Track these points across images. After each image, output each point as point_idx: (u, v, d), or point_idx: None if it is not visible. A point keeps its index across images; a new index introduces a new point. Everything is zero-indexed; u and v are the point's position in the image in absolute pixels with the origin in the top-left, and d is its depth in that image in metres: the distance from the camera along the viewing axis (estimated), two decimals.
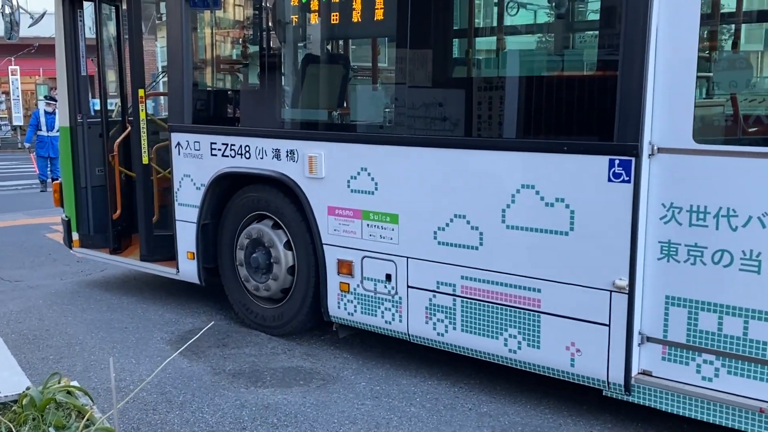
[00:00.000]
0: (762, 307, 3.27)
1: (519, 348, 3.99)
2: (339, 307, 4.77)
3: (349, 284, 4.68)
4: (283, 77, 5.25)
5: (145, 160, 5.97)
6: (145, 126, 5.91)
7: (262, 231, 5.19)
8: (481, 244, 4.05)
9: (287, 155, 4.87)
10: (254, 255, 5.27)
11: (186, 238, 5.58)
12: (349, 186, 4.58)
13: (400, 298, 4.44)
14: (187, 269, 5.65)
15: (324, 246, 4.77)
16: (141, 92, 5.88)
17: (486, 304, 4.07)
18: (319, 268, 4.84)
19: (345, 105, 5.22)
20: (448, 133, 4.21)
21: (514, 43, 5.08)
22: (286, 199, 4.99)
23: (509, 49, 4.88)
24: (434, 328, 4.32)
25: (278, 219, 5.12)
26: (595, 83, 3.79)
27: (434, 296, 4.29)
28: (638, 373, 3.66)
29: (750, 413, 3.30)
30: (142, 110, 5.89)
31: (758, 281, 3.26)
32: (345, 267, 4.68)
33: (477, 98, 4.13)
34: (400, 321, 4.47)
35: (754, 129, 3.94)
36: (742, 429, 3.35)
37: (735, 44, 4.33)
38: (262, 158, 5.03)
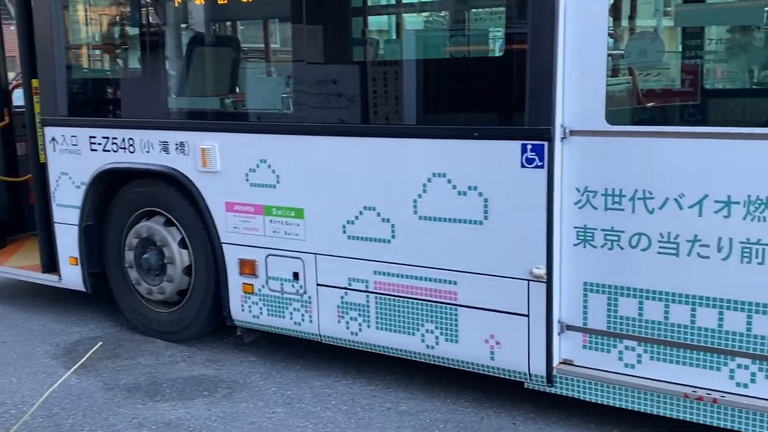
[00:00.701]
0: (682, 291, 3.23)
1: (437, 343, 3.83)
2: (243, 310, 4.46)
3: (253, 285, 4.38)
4: (167, 61, 4.83)
5: (42, 158, 5.36)
6: (39, 121, 5.28)
7: (153, 229, 4.79)
8: (393, 236, 3.84)
9: (177, 148, 4.49)
10: (145, 255, 4.86)
11: (67, 242, 5.09)
12: (247, 180, 4.26)
13: (309, 297, 4.19)
14: (71, 276, 5.17)
15: (223, 245, 4.43)
16: (34, 82, 5.23)
17: (401, 299, 3.88)
18: (219, 269, 4.51)
19: (239, 91, 4.87)
20: (352, 120, 3.96)
21: (419, 23, 4.87)
22: (177, 194, 4.61)
23: (413, 29, 4.66)
24: (347, 328, 4.09)
25: (170, 215, 4.73)
26: (504, 65, 3.63)
27: (346, 294, 4.06)
28: (559, 363, 3.57)
29: (674, 399, 3.26)
30: (37, 102, 5.25)
31: (677, 264, 3.21)
32: (248, 267, 4.36)
33: (381, 83, 3.90)
34: (311, 322, 4.22)
35: (661, 104, 3.91)
36: (667, 415, 3.31)
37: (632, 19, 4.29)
38: (148, 152, 4.62)
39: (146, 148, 4.62)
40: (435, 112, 3.84)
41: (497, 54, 3.85)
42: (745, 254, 3.07)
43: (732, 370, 3.18)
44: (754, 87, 4.41)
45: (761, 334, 3.09)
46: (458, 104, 3.74)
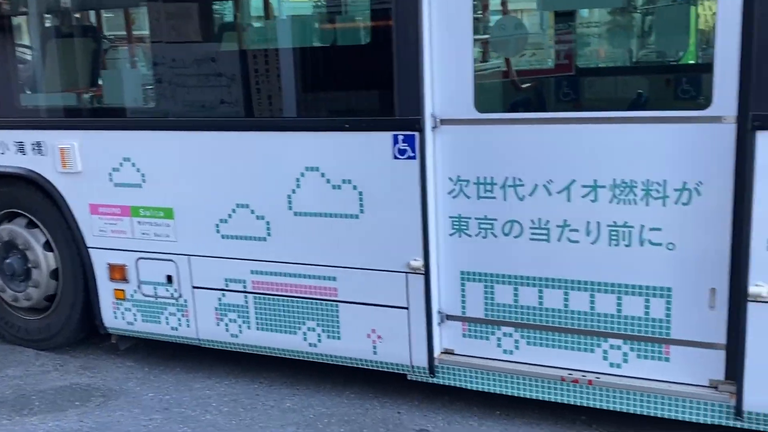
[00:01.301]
0: (554, 275, 3.25)
1: (319, 341, 3.74)
2: (116, 317, 4.23)
3: (124, 291, 4.15)
4: (18, 53, 4.47)
5: None
6: None
7: (15, 231, 4.46)
8: (268, 234, 3.70)
9: (33, 148, 4.17)
10: (8, 260, 4.52)
11: None
12: (111, 180, 4.01)
13: (185, 300, 4.00)
14: None
15: (90, 250, 4.17)
16: None
17: (280, 298, 3.76)
18: (87, 274, 4.24)
19: (98, 85, 4.56)
20: (219, 114, 3.78)
21: (285, 10, 4.69)
22: (38, 195, 4.30)
23: (280, 17, 4.49)
24: (227, 330, 3.94)
25: (33, 217, 4.41)
26: (371, 54, 3.54)
27: (223, 295, 3.90)
28: (441, 353, 3.55)
29: (552, 382, 3.30)
30: None
31: (549, 249, 3.23)
32: (118, 272, 4.13)
33: (249, 74, 3.73)
34: (188, 326, 4.04)
35: (533, 90, 3.92)
36: (546, 399, 3.35)
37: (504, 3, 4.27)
38: (3, 153, 4.28)
39: (1, 150, 4.28)
40: (305, 104, 3.72)
41: (364, 43, 3.74)
42: (613, 237, 3.12)
43: (605, 351, 3.23)
44: (623, 69, 4.50)
45: (631, 314, 3.15)
46: (328, 95, 3.63)
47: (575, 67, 4.38)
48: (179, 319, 4.04)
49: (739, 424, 2.99)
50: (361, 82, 3.54)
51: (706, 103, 2.88)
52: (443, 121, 3.31)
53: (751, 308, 2.86)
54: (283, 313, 3.77)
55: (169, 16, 3.83)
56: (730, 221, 2.90)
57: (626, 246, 3.10)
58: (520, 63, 4.35)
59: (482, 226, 3.34)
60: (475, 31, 3.44)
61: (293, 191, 3.59)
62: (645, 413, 3.16)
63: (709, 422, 3.05)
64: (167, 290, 4.03)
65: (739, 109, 2.79)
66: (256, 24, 4.59)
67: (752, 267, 2.83)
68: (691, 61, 4.43)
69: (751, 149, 2.75)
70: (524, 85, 4.22)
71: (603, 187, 3.09)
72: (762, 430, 2.97)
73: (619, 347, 3.20)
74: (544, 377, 3.31)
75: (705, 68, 2.92)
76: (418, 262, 3.41)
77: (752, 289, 2.84)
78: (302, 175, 3.55)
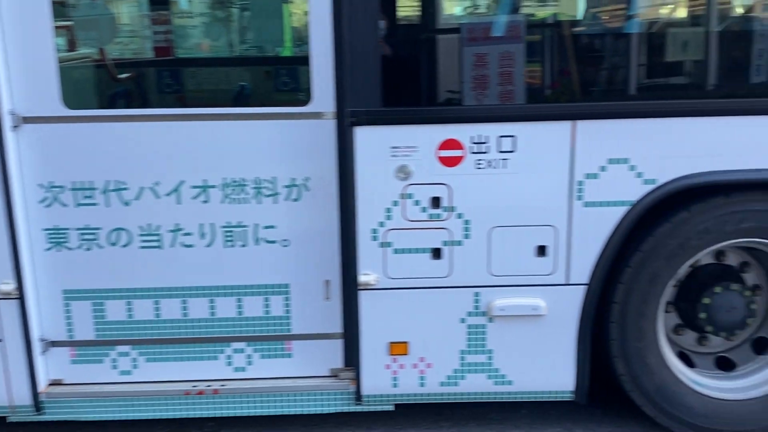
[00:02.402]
0: (171, 284, 3.03)
1: None
2: None
3: None
4: None
5: None
6: None
7: None
8: None
9: None
10: None
11: None
12: None
13: None
14: None
15: None
16: None
17: None
18: None
19: None
20: None
21: None
22: None
23: None
24: None
25: None
26: None
27: None
28: (48, 385, 3.10)
29: (177, 398, 3.08)
30: None
31: (162, 257, 3.00)
32: None
33: None
34: None
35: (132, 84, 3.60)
36: (172, 416, 3.12)
37: None
38: None
39: None
40: None
41: None
42: (228, 238, 3.00)
43: (229, 357, 3.12)
44: (225, 60, 4.40)
45: (253, 315, 3.07)
46: None
47: (176, 59, 4.15)
48: None
49: (359, 408, 3.13)
50: None
51: (307, 100, 2.90)
52: (27, 120, 2.85)
53: (362, 296, 2.98)
54: None
55: None
56: (337, 215, 2.98)
57: (242, 246, 3.01)
58: (120, 52, 3.98)
59: (84, 237, 2.96)
60: (59, 16, 3.03)
61: None
62: (273, 413, 3.13)
63: (333, 411, 3.13)
64: None
65: (337, 105, 2.86)
66: None
67: (360, 257, 2.95)
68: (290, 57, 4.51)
69: (350, 144, 2.84)
70: (122, 77, 3.87)
71: (213, 187, 2.95)
72: (380, 410, 3.14)
73: (242, 350, 3.11)
74: (167, 394, 3.08)
75: (305, 65, 2.93)
76: (10, 286, 2.91)
77: (361, 278, 2.96)
78: None
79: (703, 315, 3.08)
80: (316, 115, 2.89)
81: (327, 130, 2.90)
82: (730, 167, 2.88)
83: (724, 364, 3.30)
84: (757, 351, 3.26)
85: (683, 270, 3.07)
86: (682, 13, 3.46)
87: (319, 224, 3.00)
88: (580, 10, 3.50)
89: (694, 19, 3.28)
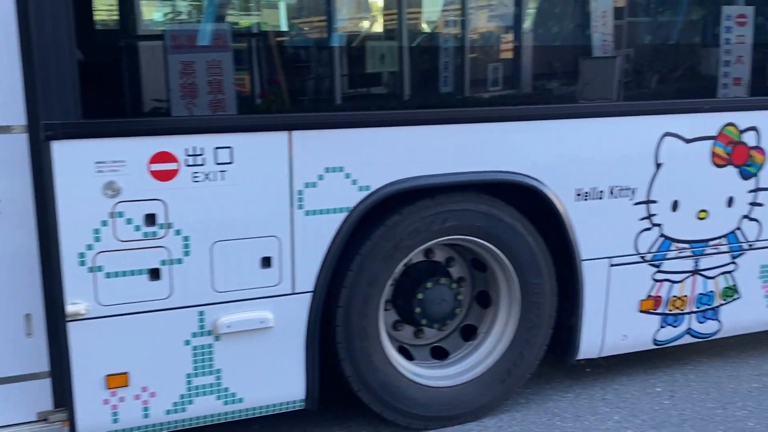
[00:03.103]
0: None
1: None
2: None
3: None
4: None
5: None
6: None
7: None
8: None
9: None
10: None
11: None
12: None
13: None
14: None
15: None
16: None
17: None
18: None
19: None
20: None
21: None
22: None
23: None
24: None
25: None
26: None
27: None
28: None
29: None
30: None
31: None
32: None
33: None
34: None
35: None
36: None
37: None
38: None
39: None
40: None
41: None
42: None
43: None
44: None
45: None
46: None
47: None
48: None
49: None
50: None
51: None
52: None
53: (72, 328, 2.68)
54: None
55: None
56: (36, 240, 2.65)
57: None
58: None
59: None
60: None
61: None
62: None
63: None
64: None
65: (29, 118, 2.55)
66: None
67: (67, 285, 2.64)
68: None
69: (48, 161, 2.54)
70: None
71: None
72: None
73: None
74: None
75: None
76: None
77: (69, 308, 2.66)
78: None
79: (418, 309, 3.28)
80: (4, 129, 2.55)
81: (18, 145, 2.57)
82: (433, 172, 3.09)
83: (439, 354, 3.55)
84: (465, 338, 3.56)
85: (399, 269, 3.24)
86: (378, 27, 3.66)
87: (16, 251, 2.64)
88: (283, 20, 3.52)
89: (388, 33, 3.48)
